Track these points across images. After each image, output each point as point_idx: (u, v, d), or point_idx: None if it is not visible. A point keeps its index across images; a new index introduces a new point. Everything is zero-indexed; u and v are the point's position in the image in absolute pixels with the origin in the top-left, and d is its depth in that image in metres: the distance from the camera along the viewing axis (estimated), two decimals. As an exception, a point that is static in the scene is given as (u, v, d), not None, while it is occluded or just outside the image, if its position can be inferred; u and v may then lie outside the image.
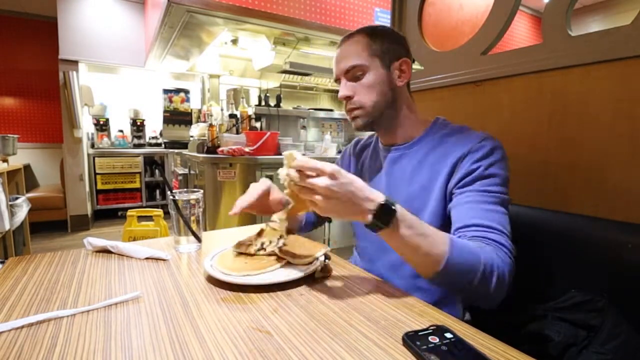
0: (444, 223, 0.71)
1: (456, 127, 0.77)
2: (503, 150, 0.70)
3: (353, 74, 0.76)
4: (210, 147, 2.49)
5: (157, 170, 4.38)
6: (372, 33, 0.76)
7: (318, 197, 0.52)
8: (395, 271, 0.77)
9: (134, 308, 0.52)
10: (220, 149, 2.34)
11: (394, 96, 0.77)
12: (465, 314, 0.77)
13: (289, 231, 0.95)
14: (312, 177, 0.52)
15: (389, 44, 0.76)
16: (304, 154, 0.78)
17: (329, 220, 0.99)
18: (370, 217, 0.53)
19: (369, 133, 0.90)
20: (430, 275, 0.56)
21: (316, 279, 0.64)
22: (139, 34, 4.11)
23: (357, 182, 0.54)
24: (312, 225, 0.98)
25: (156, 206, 3.98)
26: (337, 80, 0.80)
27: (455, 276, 0.56)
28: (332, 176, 0.51)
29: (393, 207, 0.53)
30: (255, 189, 0.79)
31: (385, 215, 0.53)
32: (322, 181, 0.51)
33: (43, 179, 4.32)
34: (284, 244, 0.69)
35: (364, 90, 0.76)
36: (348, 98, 0.77)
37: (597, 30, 0.77)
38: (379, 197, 0.54)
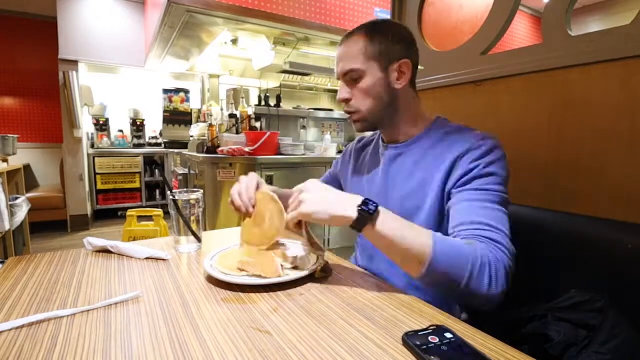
0: (441, 222, 0.71)
1: (456, 126, 0.77)
2: (502, 149, 0.69)
3: (351, 77, 0.76)
4: (210, 147, 2.49)
5: (157, 170, 4.38)
6: (371, 33, 0.74)
7: (301, 201, 0.60)
8: (394, 267, 0.77)
9: (134, 308, 0.52)
10: (220, 149, 2.34)
11: (392, 98, 0.77)
12: (462, 314, 0.77)
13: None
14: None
15: (388, 44, 0.74)
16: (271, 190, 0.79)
17: None
18: (356, 208, 0.57)
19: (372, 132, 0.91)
20: (417, 274, 0.56)
21: (316, 279, 0.64)
22: (139, 34, 4.11)
23: (328, 187, 0.64)
24: None
25: (156, 206, 3.98)
26: (340, 79, 0.81)
27: (442, 273, 0.55)
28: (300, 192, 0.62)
29: (375, 202, 0.58)
30: (251, 183, 0.78)
31: (369, 208, 0.57)
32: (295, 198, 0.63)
33: (43, 179, 4.32)
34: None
35: (360, 95, 0.76)
36: (345, 100, 0.78)
37: (597, 30, 0.77)
38: (359, 196, 0.60)
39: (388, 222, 0.57)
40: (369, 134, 0.96)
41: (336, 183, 1.01)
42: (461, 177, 0.67)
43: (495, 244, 0.58)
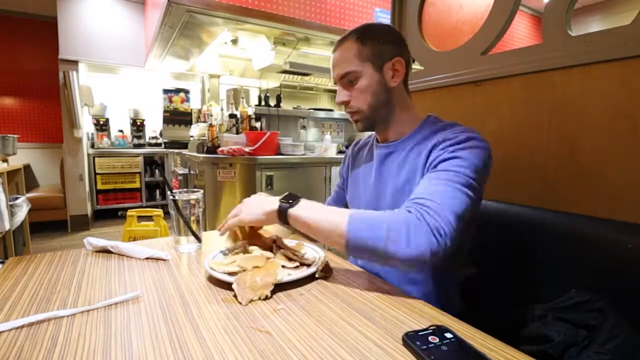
0: None
1: (446, 123, 0.78)
2: (483, 143, 0.69)
3: (348, 79, 0.78)
4: (210, 147, 2.49)
5: (157, 170, 4.38)
6: (362, 37, 0.76)
7: (237, 213, 0.73)
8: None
9: (134, 308, 0.52)
10: (220, 149, 2.34)
11: (388, 96, 0.79)
12: (460, 306, 0.78)
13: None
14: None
15: (380, 45, 0.76)
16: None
17: None
18: (278, 202, 0.68)
19: (369, 133, 0.92)
20: (342, 247, 0.61)
21: (316, 278, 0.64)
22: (139, 34, 4.11)
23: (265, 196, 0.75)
24: None
25: (156, 206, 3.98)
26: (337, 83, 0.83)
27: (361, 241, 0.58)
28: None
29: (295, 194, 0.69)
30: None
31: (289, 199, 0.68)
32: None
33: (43, 179, 4.32)
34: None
35: (358, 95, 0.78)
36: (345, 103, 0.80)
37: (597, 30, 0.77)
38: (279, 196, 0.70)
39: (305, 209, 0.66)
40: (365, 136, 0.98)
41: (343, 201, 1.00)
42: (431, 164, 0.69)
43: (423, 207, 0.59)
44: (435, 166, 0.68)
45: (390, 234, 0.56)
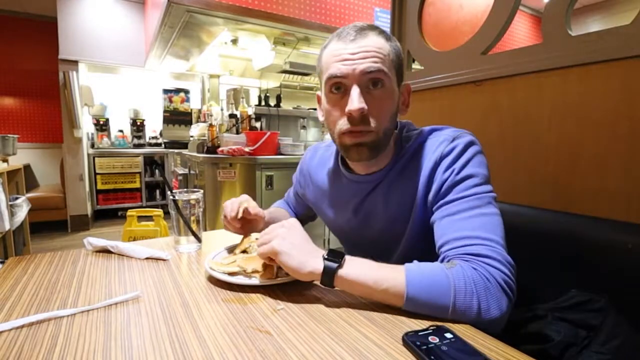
0: (429, 241, 0.64)
1: (422, 133, 0.68)
2: (477, 145, 0.63)
3: (372, 81, 0.61)
4: (210, 147, 2.49)
5: (157, 170, 4.38)
6: (388, 38, 0.63)
7: (272, 245, 0.57)
8: None
9: (134, 308, 0.52)
10: (220, 149, 2.34)
11: (394, 123, 0.67)
12: None
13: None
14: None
15: (401, 58, 0.66)
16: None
17: (312, 219, 0.96)
18: (321, 260, 0.55)
19: (328, 141, 0.82)
20: (400, 308, 0.52)
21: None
22: (139, 34, 4.11)
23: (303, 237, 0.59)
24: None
25: (156, 206, 3.98)
26: (336, 86, 0.63)
27: (423, 307, 0.50)
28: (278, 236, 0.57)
29: (339, 250, 0.56)
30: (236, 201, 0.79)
31: (335, 257, 0.55)
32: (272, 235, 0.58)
33: (43, 179, 4.32)
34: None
35: (379, 107, 0.62)
36: (362, 113, 0.60)
37: (597, 30, 0.77)
38: (323, 251, 0.57)
39: (353, 272, 0.53)
40: (320, 149, 0.86)
41: (304, 205, 0.93)
42: (439, 190, 0.62)
43: (483, 259, 0.53)
44: (447, 193, 0.61)
45: (457, 302, 0.49)
